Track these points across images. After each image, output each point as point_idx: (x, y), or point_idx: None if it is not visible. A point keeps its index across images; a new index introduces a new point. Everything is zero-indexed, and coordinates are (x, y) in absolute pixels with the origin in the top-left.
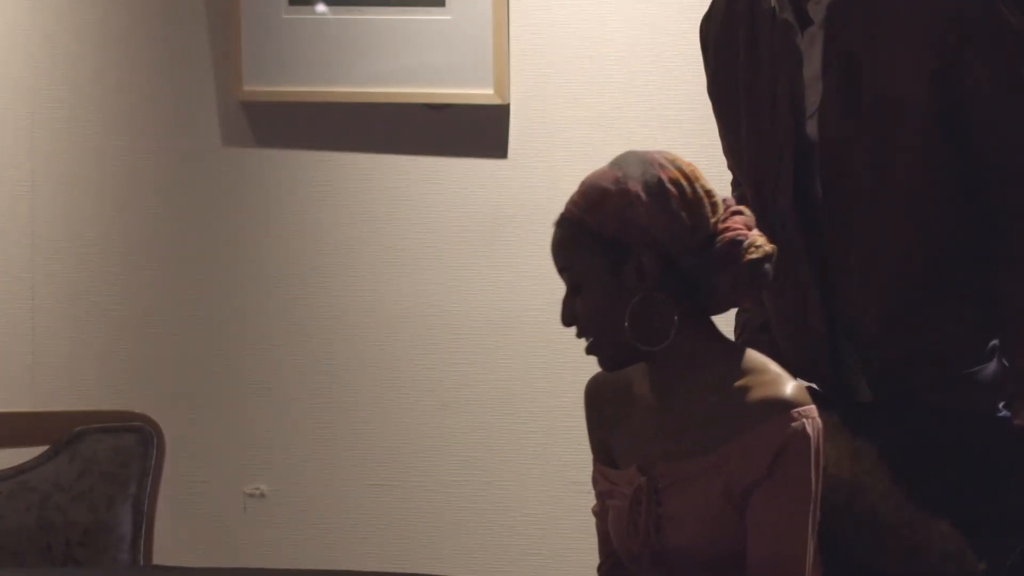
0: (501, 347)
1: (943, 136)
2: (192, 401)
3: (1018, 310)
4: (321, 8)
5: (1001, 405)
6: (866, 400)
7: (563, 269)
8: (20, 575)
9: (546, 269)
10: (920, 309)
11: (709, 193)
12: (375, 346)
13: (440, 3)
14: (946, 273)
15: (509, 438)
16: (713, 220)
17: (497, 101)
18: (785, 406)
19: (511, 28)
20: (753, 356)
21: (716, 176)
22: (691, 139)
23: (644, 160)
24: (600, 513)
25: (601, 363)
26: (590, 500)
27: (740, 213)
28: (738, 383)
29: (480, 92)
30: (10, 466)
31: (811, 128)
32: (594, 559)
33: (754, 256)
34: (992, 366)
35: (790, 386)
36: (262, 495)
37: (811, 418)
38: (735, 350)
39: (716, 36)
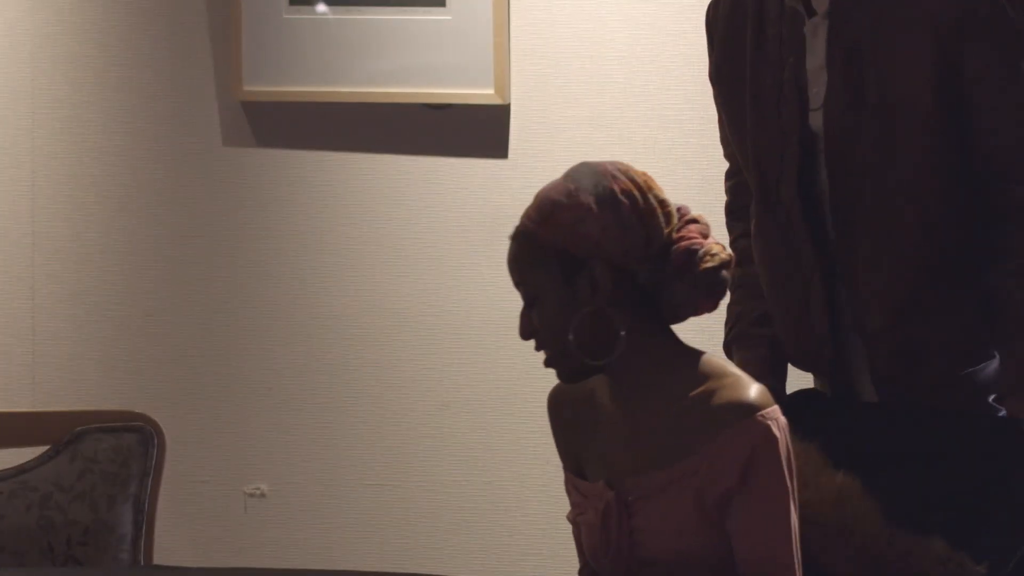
0: (501, 347)
1: (945, 131)
2: (193, 401)
3: (1010, 305)
4: (321, 8)
5: (991, 399)
6: (868, 397)
7: (519, 283)
8: (21, 575)
9: None
10: (925, 303)
11: (663, 203)
12: (375, 346)
13: (440, 3)
14: (951, 268)
15: (509, 438)
16: (667, 230)
17: (497, 101)
18: (749, 410)
19: (511, 28)
20: (712, 361)
21: (717, 176)
22: (691, 139)
23: (596, 171)
24: (575, 520)
25: (559, 376)
26: None
27: (695, 221)
28: (699, 391)
29: (480, 92)
30: (11, 466)
31: (815, 120)
32: None
33: (710, 265)
34: (995, 364)
35: (752, 389)
36: (262, 495)
37: (775, 419)
38: (694, 357)
39: (724, 22)
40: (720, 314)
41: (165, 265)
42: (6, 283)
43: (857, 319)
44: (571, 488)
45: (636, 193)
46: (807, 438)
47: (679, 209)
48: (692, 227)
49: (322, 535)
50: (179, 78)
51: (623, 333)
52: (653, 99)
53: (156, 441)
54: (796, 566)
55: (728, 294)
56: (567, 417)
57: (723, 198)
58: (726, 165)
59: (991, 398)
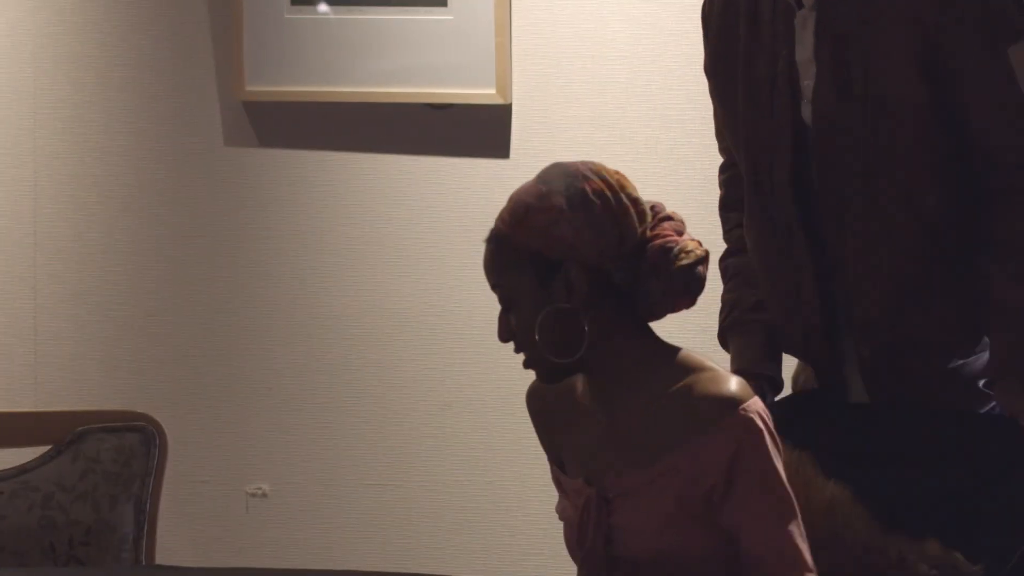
0: (503, 347)
1: (933, 121)
2: (194, 401)
3: (999, 292)
4: (323, 8)
5: (982, 384)
6: (858, 390)
7: (495, 286)
8: (23, 575)
9: None
10: (916, 294)
11: (636, 201)
12: (377, 346)
13: (442, 3)
14: (943, 258)
15: (511, 438)
16: (641, 229)
17: (499, 101)
18: (731, 405)
19: (513, 28)
20: (690, 357)
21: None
22: (693, 139)
23: (568, 172)
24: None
25: (539, 377)
26: None
27: (670, 219)
28: (678, 387)
29: (482, 92)
30: (13, 466)
31: (806, 111)
32: None
33: (685, 262)
34: (986, 356)
35: (731, 383)
36: (264, 495)
37: (756, 411)
38: (671, 354)
39: (718, 15)
40: (703, 307)
41: (167, 265)
42: (8, 283)
43: (848, 310)
44: (555, 481)
45: (608, 193)
46: (798, 447)
47: (653, 207)
48: (666, 225)
49: (323, 535)
50: (181, 78)
51: (587, 330)
52: (655, 99)
53: (158, 441)
54: (805, 552)
55: (703, 290)
56: (544, 413)
57: None
58: (718, 148)
59: (981, 383)
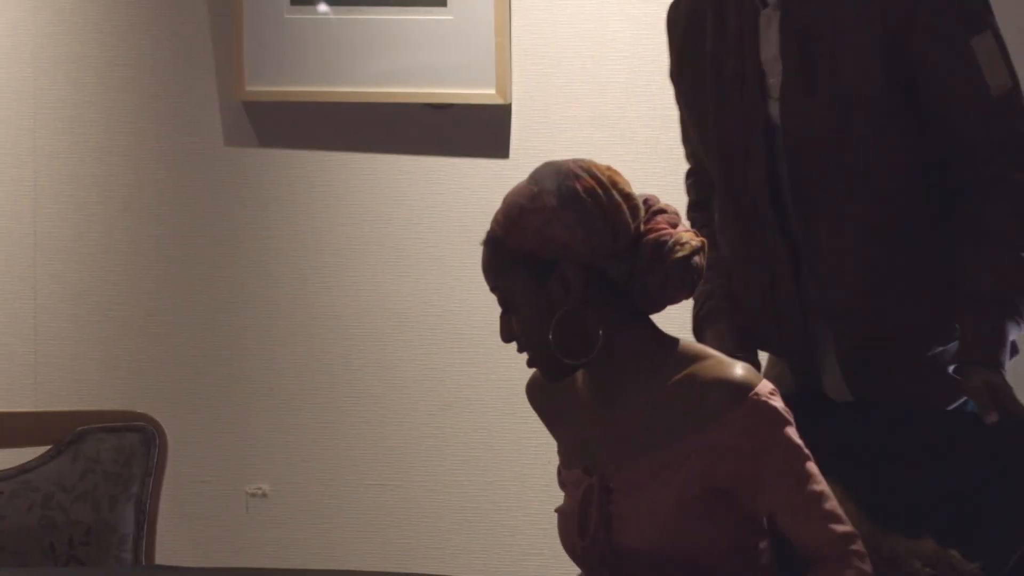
0: (503, 347)
1: (900, 114)
2: (194, 401)
3: (970, 279)
4: (323, 8)
5: (951, 369)
6: (834, 384)
7: (494, 288)
8: (23, 575)
9: None
10: (890, 284)
11: (628, 197)
12: (376, 346)
13: (442, 3)
14: (913, 247)
15: (511, 438)
16: (634, 224)
17: (499, 101)
18: (742, 391)
19: (513, 28)
20: (692, 346)
21: None
22: None
23: (559, 172)
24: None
25: (543, 375)
26: None
27: (663, 212)
28: (683, 376)
29: (482, 92)
30: (13, 466)
31: (774, 109)
32: None
33: (681, 254)
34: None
35: (737, 369)
36: (264, 495)
37: (766, 393)
38: (673, 344)
39: (685, 19)
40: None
41: (167, 265)
42: (8, 283)
43: (824, 303)
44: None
45: (599, 191)
46: None
47: (646, 201)
48: (660, 218)
49: (323, 535)
50: (181, 78)
51: (601, 332)
52: (655, 99)
53: (158, 441)
54: (845, 522)
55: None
56: (544, 403)
57: None
58: (684, 154)
59: (951, 369)
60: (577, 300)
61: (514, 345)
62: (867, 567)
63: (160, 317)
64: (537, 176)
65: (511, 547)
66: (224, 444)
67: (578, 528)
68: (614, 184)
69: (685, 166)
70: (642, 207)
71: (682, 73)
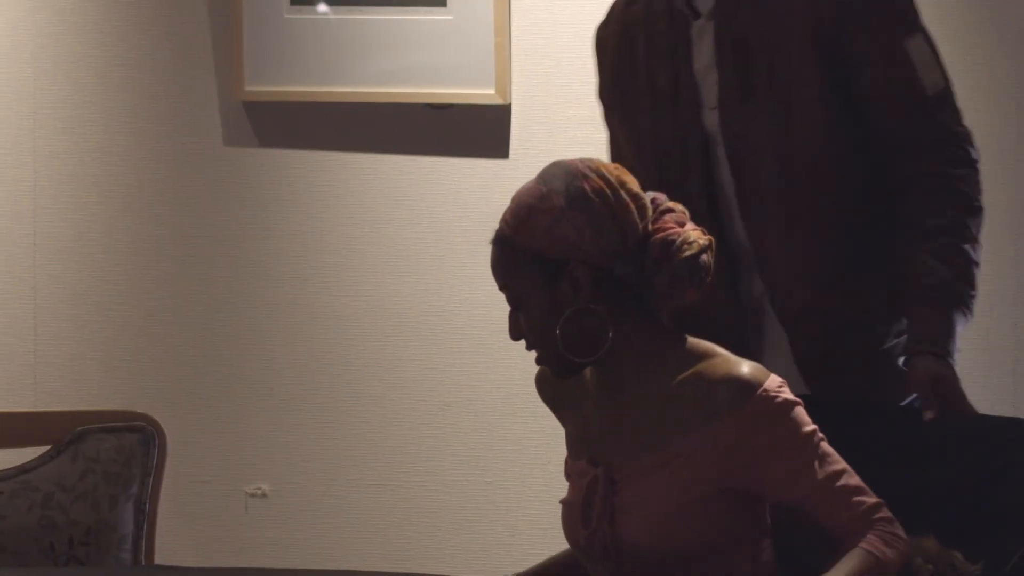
0: (503, 347)
1: (838, 116)
2: (194, 401)
3: (915, 269)
4: (323, 8)
5: (901, 361)
6: (792, 382)
7: (503, 287)
8: (22, 575)
9: None
10: (839, 280)
11: (636, 196)
12: (376, 346)
13: (442, 3)
14: (859, 243)
15: (511, 438)
16: (643, 223)
17: (499, 101)
18: (749, 388)
19: (512, 28)
20: (700, 344)
21: None
22: None
23: (568, 172)
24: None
25: (552, 372)
26: None
27: (671, 211)
28: (691, 373)
29: (481, 92)
30: (12, 466)
31: (711, 119)
32: None
33: (688, 253)
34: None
35: (744, 366)
36: (264, 495)
37: (774, 388)
38: (681, 341)
39: (614, 37)
40: None
41: (167, 265)
42: (8, 283)
43: (776, 304)
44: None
45: (608, 191)
46: None
47: (653, 200)
48: (668, 217)
49: (323, 535)
50: (181, 78)
51: (609, 331)
52: None
53: (157, 441)
54: (868, 493)
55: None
56: (551, 395)
57: None
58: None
59: (900, 361)
60: (586, 299)
61: (513, 345)
62: (896, 530)
63: (160, 317)
64: (546, 176)
65: (511, 547)
66: (224, 444)
67: (582, 519)
68: (622, 184)
69: None
70: (650, 206)
71: (615, 88)
